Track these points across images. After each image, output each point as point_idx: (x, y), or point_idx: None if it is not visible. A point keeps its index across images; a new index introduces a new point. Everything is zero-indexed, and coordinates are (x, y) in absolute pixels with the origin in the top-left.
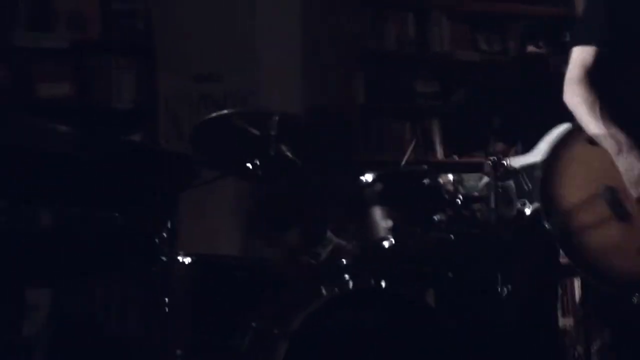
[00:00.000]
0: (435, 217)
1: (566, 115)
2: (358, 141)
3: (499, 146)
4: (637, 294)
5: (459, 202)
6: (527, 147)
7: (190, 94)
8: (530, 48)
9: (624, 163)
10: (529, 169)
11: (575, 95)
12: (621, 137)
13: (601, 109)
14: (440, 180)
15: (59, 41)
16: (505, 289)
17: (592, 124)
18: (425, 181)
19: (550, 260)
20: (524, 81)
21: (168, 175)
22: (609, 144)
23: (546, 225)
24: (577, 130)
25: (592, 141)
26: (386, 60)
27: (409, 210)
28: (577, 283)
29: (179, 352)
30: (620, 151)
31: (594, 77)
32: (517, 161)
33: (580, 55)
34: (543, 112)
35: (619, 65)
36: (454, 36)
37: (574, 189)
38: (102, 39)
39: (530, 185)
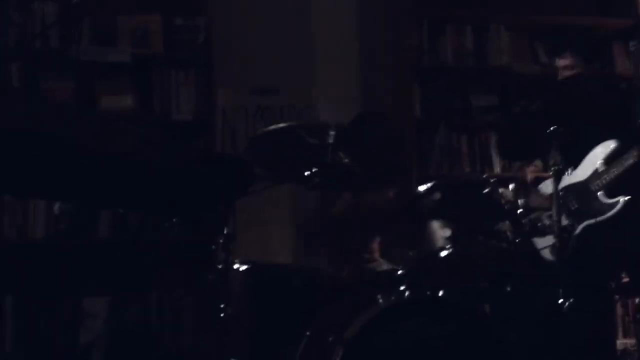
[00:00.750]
0: (495, 227)
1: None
2: (414, 155)
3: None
4: None
5: (520, 213)
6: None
7: (247, 107)
8: (560, 62)
9: None
10: (576, 187)
11: None
12: None
13: None
14: (500, 190)
15: (122, 55)
16: (567, 303)
17: None
18: (485, 191)
19: (605, 280)
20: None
21: (226, 181)
22: None
23: None
24: None
25: None
26: (443, 74)
27: (468, 220)
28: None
29: None
30: None
31: None
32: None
33: None
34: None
35: None
36: (513, 49)
37: None
38: (163, 53)
39: (577, 205)
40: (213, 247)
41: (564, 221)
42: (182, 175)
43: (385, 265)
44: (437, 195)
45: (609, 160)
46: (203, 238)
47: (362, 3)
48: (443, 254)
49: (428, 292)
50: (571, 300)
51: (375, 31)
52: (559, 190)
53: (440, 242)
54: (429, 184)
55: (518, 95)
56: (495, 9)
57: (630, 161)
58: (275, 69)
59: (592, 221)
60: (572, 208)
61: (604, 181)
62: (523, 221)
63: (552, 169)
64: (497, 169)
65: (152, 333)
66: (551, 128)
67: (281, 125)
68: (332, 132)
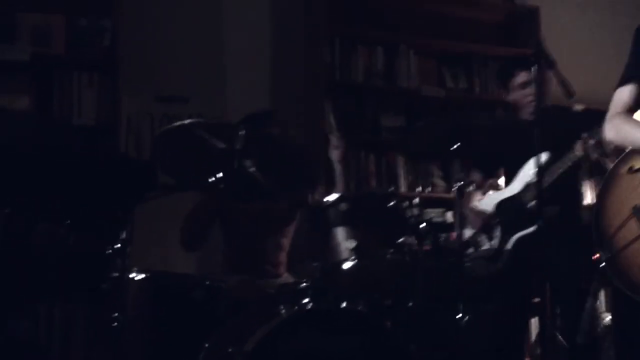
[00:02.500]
0: (399, 240)
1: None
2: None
3: (476, 176)
4: None
5: (424, 227)
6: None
7: (153, 115)
8: (517, 79)
9: None
10: (509, 202)
11: (619, 125)
12: None
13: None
14: (405, 204)
15: (20, 54)
16: (465, 318)
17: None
18: (390, 204)
19: (523, 300)
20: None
21: (127, 184)
22: None
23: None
24: (620, 163)
25: (631, 169)
26: (354, 92)
27: (373, 232)
28: (533, 322)
29: None
30: None
31: (631, 112)
32: (496, 196)
33: (620, 94)
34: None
35: None
36: (421, 72)
37: (615, 216)
38: (65, 54)
39: (510, 218)
40: (109, 253)
41: (496, 236)
42: (80, 174)
43: (290, 280)
44: (344, 207)
45: (538, 173)
46: (98, 245)
47: (276, 16)
48: (347, 266)
49: (331, 304)
50: (469, 316)
51: (288, 45)
52: (462, 206)
53: (344, 254)
54: (335, 195)
55: (425, 118)
56: (405, 32)
57: (560, 171)
58: (185, 78)
59: (524, 232)
60: (508, 221)
61: (534, 193)
62: (427, 236)
63: (455, 185)
64: (403, 189)
65: (41, 348)
66: (454, 146)
67: (187, 121)
68: (241, 133)
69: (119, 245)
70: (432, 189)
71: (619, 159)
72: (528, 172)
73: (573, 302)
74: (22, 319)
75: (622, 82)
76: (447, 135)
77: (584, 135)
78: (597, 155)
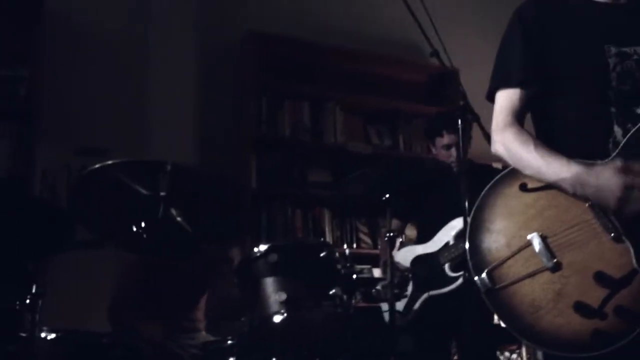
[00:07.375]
0: (331, 292)
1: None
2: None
3: (395, 222)
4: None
5: (355, 277)
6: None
7: (70, 166)
8: (442, 140)
9: (593, 186)
10: (428, 258)
11: (507, 142)
12: (575, 167)
13: (538, 146)
14: (337, 254)
15: None
16: None
17: (535, 163)
18: (322, 254)
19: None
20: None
21: (40, 232)
22: (567, 180)
23: (476, 281)
24: (506, 178)
25: (524, 188)
26: (280, 148)
27: (304, 283)
28: None
29: None
30: (579, 180)
31: (521, 120)
32: (414, 250)
33: (505, 100)
34: (438, 203)
35: (542, 103)
36: (347, 128)
37: (503, 241)
38: None
39: (426, 274)
40: (18, 309)
41: (411, 288)
42: None
43: (210, 338)
44: (274, 257)
45: (459, 235)
46: (5, 301)
47: (203, 67)
48: (277, 319)
49: None
50: None
51: (213, 99)
52: (394, 257)
53: (274, 306)
54: (264, 246)
55: (350, 173)
56: (332, 89)
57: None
58: (106, 130)
59: (434, 292)
60: (422, 277)
61: (451, 255)
62: (358, 286)
63: (387, 235)
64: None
65: None
66: (386, 195)
67: (109, 162)
68: (167, 167)
69: (28, 300)
70: (357, 245)
71: (504, 173)
72: (449, 232)
73: None
74: None
75: (508, 84)
76: (377, 186)
77: None
78: None
